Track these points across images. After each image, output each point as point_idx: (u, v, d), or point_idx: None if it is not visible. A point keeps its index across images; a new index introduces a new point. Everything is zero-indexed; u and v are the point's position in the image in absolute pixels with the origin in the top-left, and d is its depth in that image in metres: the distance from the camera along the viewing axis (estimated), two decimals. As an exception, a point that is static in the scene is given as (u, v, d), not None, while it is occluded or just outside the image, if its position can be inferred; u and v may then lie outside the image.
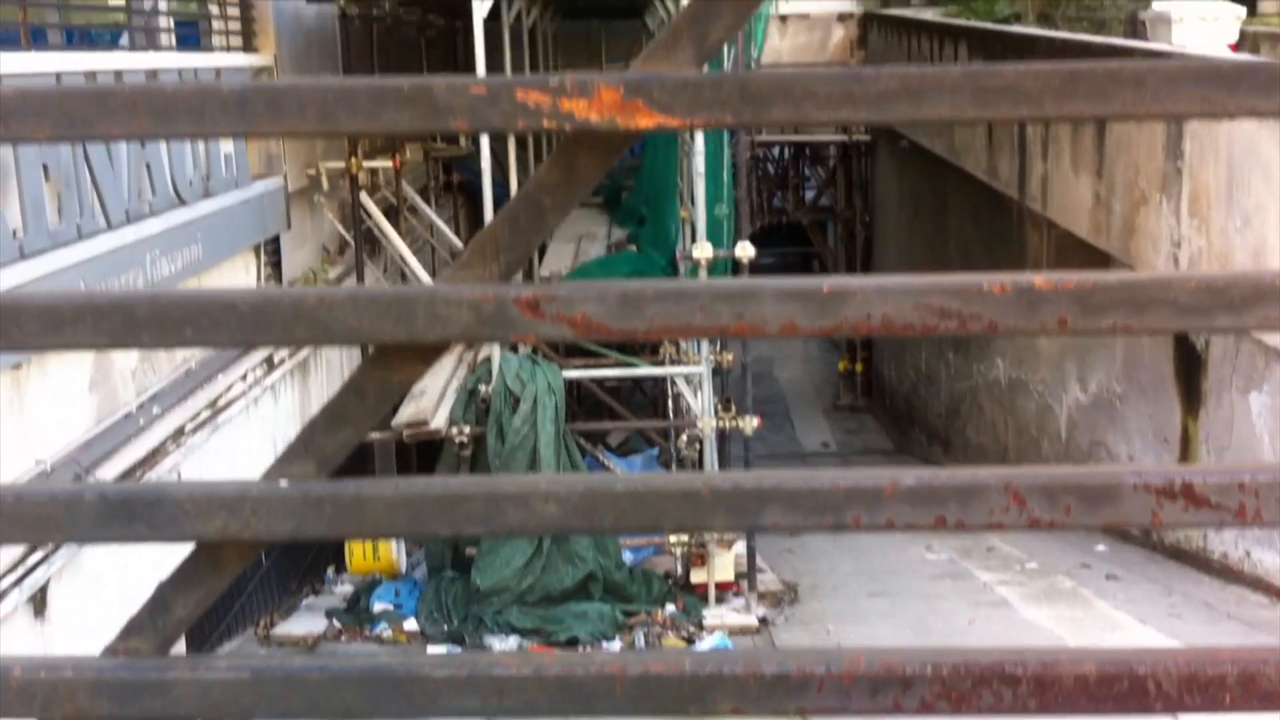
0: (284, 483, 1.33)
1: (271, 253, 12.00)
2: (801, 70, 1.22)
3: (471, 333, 1.25)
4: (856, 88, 1.20)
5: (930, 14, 24.20)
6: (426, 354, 1.31)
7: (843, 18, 26.88)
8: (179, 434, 9.47)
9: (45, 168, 7.91)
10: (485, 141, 13.26)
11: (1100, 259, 15.65)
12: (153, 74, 9.47)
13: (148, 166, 9.25)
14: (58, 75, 8.09)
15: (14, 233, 7.61)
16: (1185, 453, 13.78)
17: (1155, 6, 18.18)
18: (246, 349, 10.06)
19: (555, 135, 1.24)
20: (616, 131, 1.22)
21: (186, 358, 9.95)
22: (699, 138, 13.02)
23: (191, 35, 11.60)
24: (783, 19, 26.27)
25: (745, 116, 1.21)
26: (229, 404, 10.26)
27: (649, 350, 15.00)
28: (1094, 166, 15.55)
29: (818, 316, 1.25)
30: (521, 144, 17.95)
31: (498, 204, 13.20)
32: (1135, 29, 18.61)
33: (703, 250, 12.67)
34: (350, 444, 1.34)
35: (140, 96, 1.20)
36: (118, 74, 8.86)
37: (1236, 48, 17.29)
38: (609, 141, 1.25)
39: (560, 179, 1.27)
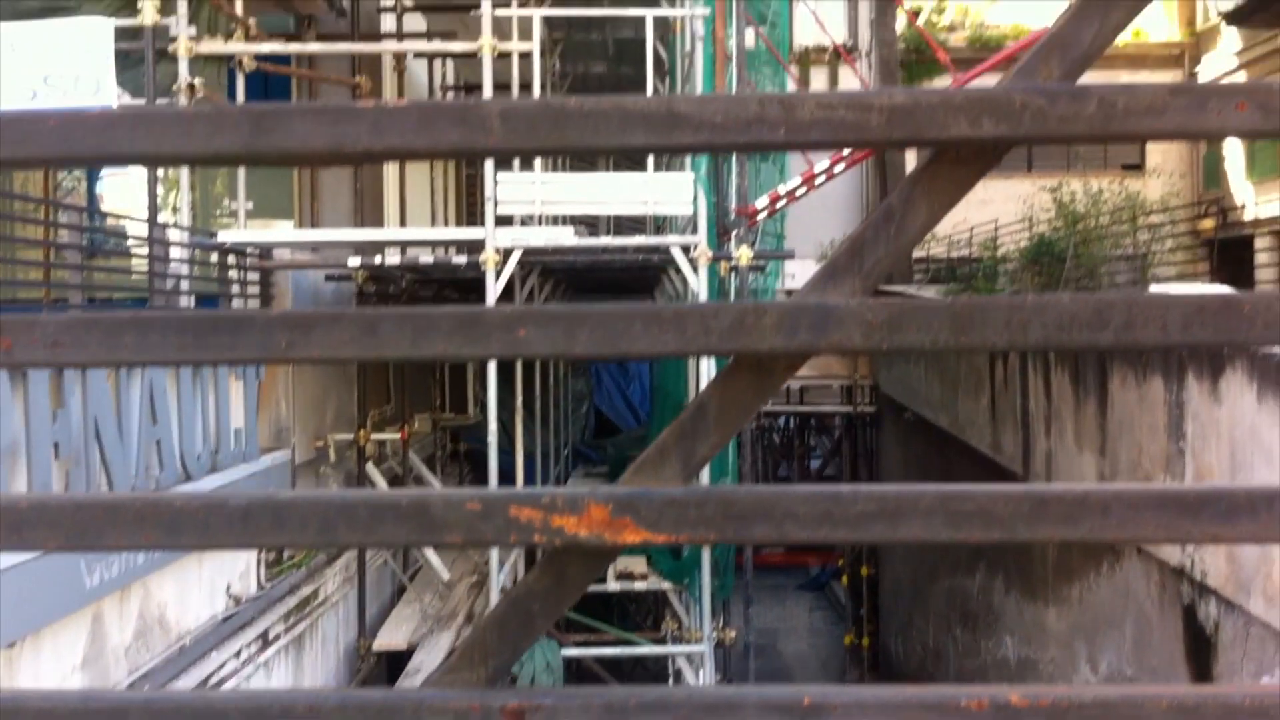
0: None
1: (277, 524, 12.01)
2: (782, 488, 1.28)
3: (458, 740, 1.27)
4: (835, 508, 1.26)
5: (932, 291, 24.83)
6: (414, 755, 1.32)
7: (847, 294, 27.48)
8: (172, 712, 9.29)
9: (56, 445, 8.02)
10: (493, 411, 13.43)
11: (1107, 538, 15.59)
12: (171, 351, 9.69)
13: (158, 443, 9.37)
14: (78, 354, 8.28)
15: (22, 508, 7.67)
16: (1202, 740, 13.41)
17: (1153, 288, 18.69)
18: None
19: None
20: (605, 546, 1.27)
21: (180, 634, 9.85)
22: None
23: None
24: (789, 294, 26.94)
25: (729, 535, 1.26)
26: (221, 681, 10.10)
27: (651, 626, 14.79)
28: (1097, 445, 15.68)
29: (799, 728, 1.27)
30: (530, 411, 18.15)
31: (502, 472, 13.27)
32: (1132, 311, 19.03)
33: (707, 527, 12.64)
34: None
35: (149, 509, 1.26)
36: (136, 352, 9.07)
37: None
38: (599, 551, 1.30)
39: (550, 586, 1.31)
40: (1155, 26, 31.40)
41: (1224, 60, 28.14)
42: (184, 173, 14.41)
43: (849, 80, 28.20)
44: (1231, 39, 27.58)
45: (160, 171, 16.18)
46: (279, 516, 1.26)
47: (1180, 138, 1.24)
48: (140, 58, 12.58)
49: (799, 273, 25.98)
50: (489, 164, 13.00)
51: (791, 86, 22.76)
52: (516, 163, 14.31)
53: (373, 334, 1.26)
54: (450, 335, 1.26)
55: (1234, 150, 27.66)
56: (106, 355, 1.27)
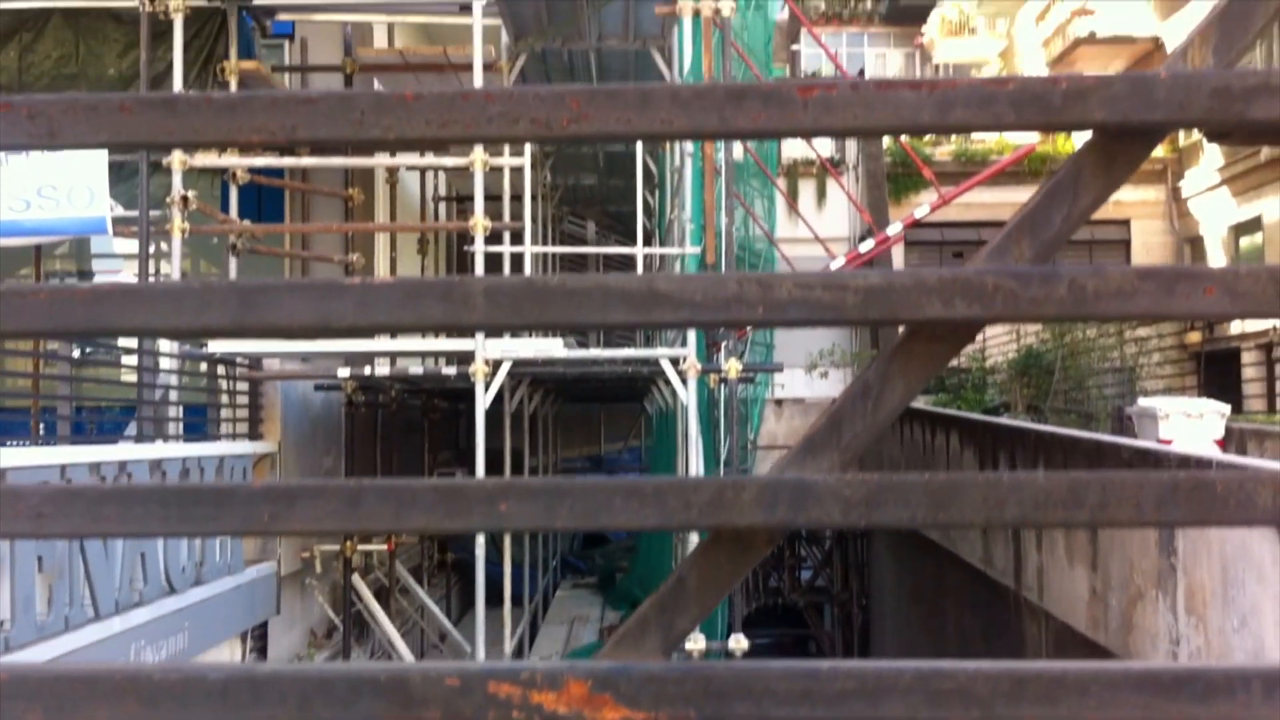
0: None
1: (258, 637, 11.90)
2: (761, 665, 1.28)
3: None
4: (814, 685, 1.26)
5: (922, 401, 24.89)
6: None
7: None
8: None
9: (40, 559, 7.97)
10: (482, 522, 13.31)
11: (1100, 653, 15.47)
12: (156, 464, 9.67)
13: (142, 556, 9.31)
14: (63, 468, 8.26)
15: (1, 624, 7.61)
16: None
17: (1141, 402, 18.72)
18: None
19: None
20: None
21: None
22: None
23: (199, 424, 11.92)
24: (778, 403, 27.01)
25: (708, 712, 1.26)
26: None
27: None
28: (1089, 559, 15.61)
29: None
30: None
31: (490, 583, 13.15)
32: (1122, 423, 19.11)
33: (695, 642, 12.54)
34: None
35: (129, 682, 1.26)
36: (122, 465, 9.05)
37: (1224, 444, 17.69)
38: None
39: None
40: (1138, 142, 31.89)
41: (1206, 175, 28.57)
42: (175, 276, 14.52)
43: (836, 193, 28.54)
44: (1213, 155, 28.03)
45: (151, 277, 16.25)
46: (257, 691, 1.26)
47: (1150, 320, 1.26)
48: (134, 169, 12.72)
49: (788, 382, 26.06)
50: (479, 275, 13.09)
51: (780, 201, 23.02)
52: (507, 270, 14.42)
53: (355, 506, 1.27)
54: (432, 509, 1.28)
55: (1219, 264, 27.93)
56: (90, 527, 1.28)
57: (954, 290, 1.27)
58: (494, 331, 12.31)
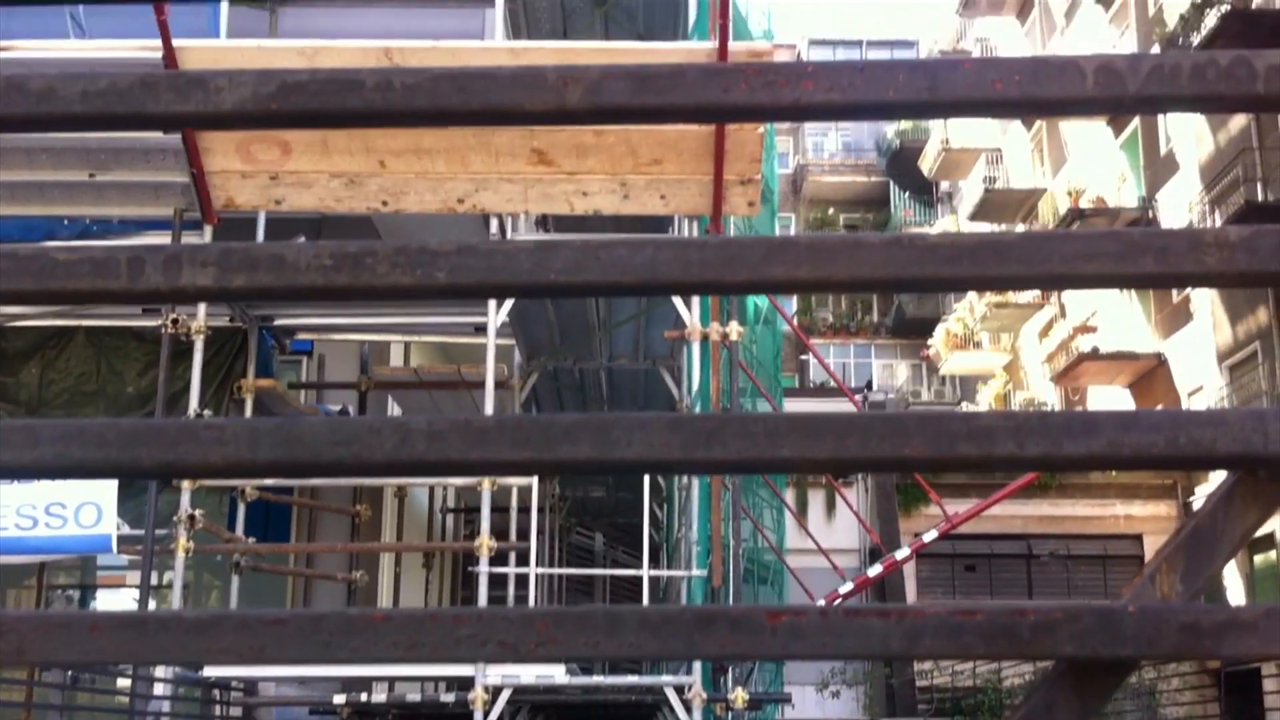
0: None
1: None
2: None
3: None
4: None
5: (936, 723, 24.21)
6: None
7: None
8: None
9: None
10: None
11: None
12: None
13: None
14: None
15: None
16: None
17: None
18: None
19: None
20: None
21: None
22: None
23: None
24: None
25: None
26: None
27: None
28: None
29: None
30: None
31: None
32: None
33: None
34: None
35: None
36: None
37: None
38: None
39: None
40: (1146, 458, 32.04)
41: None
42: (176, 591, 14.38)
43: (844, 510, 28.54)
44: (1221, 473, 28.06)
45: (154, 581, 16.07)
46: None
47: None
48: (143, 487, 12.80)
49: (799, 702, 25.31)
50: (484, 596, 12.93)
51: (789, 518, 23.01)
52: (511, 593, 14.26)
53: None
54: None
55: (1233, 581, 27.67)
56: None
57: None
58: None
